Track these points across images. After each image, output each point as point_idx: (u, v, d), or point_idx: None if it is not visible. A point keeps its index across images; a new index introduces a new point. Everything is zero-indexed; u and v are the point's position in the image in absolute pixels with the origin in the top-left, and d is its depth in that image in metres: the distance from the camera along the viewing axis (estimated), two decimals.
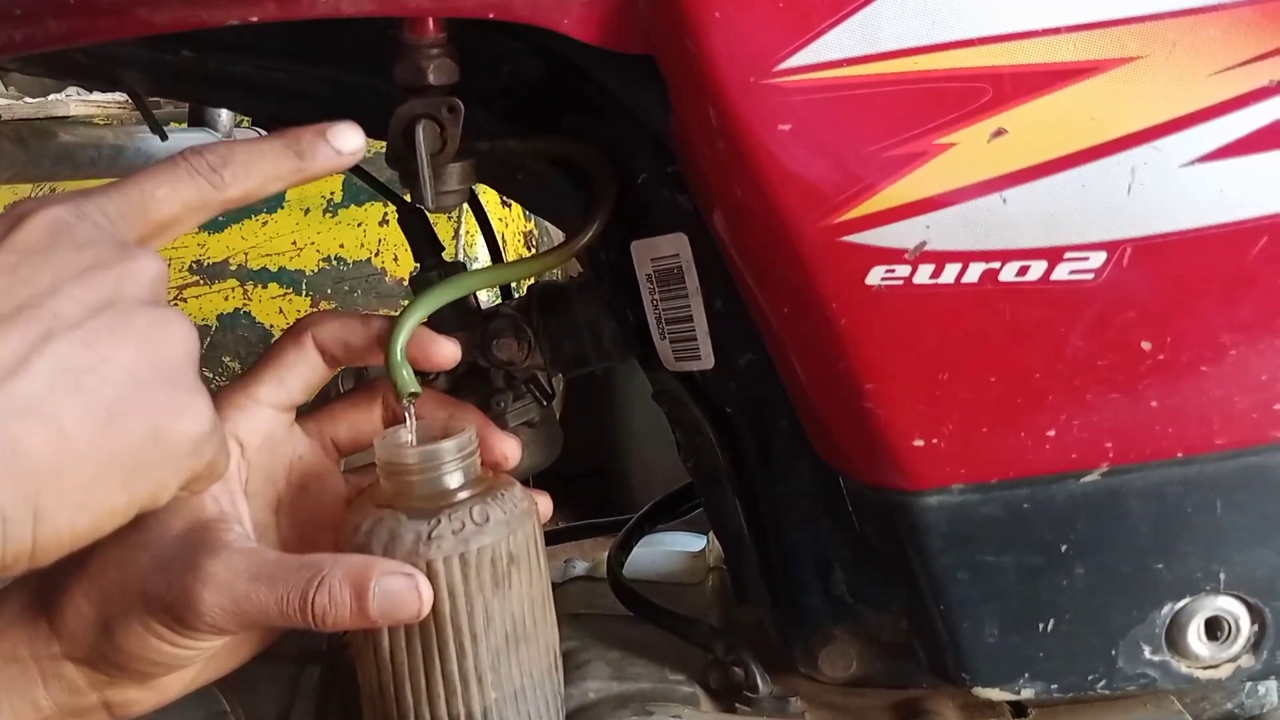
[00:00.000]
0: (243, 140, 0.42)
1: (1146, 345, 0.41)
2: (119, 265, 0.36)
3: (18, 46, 0.44)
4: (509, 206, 1.78)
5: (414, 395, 0.47)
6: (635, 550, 0.70)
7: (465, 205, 0.54)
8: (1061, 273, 0.40)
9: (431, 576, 0.42)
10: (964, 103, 0.38)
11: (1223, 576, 0.46)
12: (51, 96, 2.23)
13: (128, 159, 0.73)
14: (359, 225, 1.86)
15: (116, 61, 0.58)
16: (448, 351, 0.49)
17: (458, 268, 0.57)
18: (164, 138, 0.71)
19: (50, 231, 0.36)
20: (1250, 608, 0.47)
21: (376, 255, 1.84)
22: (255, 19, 0.41)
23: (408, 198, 0.54)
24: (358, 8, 0.41)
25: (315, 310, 1.79)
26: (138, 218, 0.38)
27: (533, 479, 0.63)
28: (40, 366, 0.33)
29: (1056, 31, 0.38)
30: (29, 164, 0.61)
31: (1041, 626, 0.47)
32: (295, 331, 0.48)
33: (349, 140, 0.43)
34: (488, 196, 0.59)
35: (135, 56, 0.57)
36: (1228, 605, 0.46)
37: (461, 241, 1.75)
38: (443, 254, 0.58)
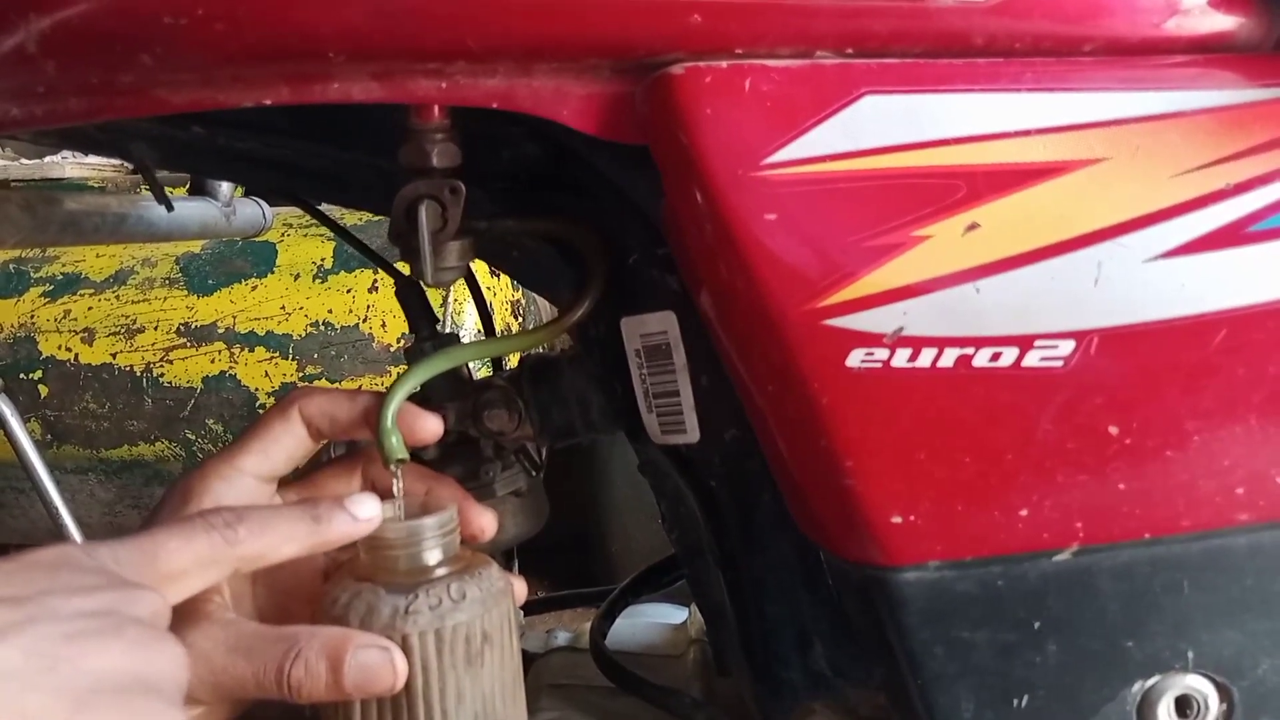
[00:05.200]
0: (261, 506, 0.44)
1: (1114, 430, 0.43)
2: (120, 590, 0.37)
3: (38, 121, 0.46)
4: (497, 276, 1.80)
5: (401, 461, 0.48)
6: (617, 621, 0.71)
7: None
8: (1032, 360, 0.42)
9: (407, 651, 0.43)
10: (940, 198, 0.40)
11: (1191, 655, 0.47)
12: (47, 159, 2.26)
13: (130, 226, 0.75)
14: (348, 291, 1.87)
15: (128, 135, 0.60)
16: (431, 427, 0.50)
17: (451, 339, 0.58)
18: (170, 208, 0.73)
19: (58, 558, 0.37)
20: (1219, 686, 0.48)
21: (364, 321, 1.85)
22: (269, 103, 0.43)
23: (403, 269, 0.56)
24: (368, 94, 0.43)
25: (303, 382, 1.81)
26: (148, 567, 0.39)
27: (515, 547, 0.64)
28: (16, 642, 0.33)
29: (1027, 133, 0.40)
30: (35, 230, 0.63)
31: (1016, 702, 0.47)
32: (283, 405, 0.49)
33: (365, 509, 0.44)
34: (477, 266, 0.61)
35: (146, 131, 0.59)
36: (1197, 684, 0.48)
37: (450, 310, 1.76)
38: (436, 326, 0.60)
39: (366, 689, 0.42)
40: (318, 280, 1.89)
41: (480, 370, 0.63)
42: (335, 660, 0.41)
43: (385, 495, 0.49)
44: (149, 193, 0.78)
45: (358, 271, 1.87)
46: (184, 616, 0.42)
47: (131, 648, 0.35)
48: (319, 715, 0.47)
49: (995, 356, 0.42)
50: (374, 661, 0.42)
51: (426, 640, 0.43)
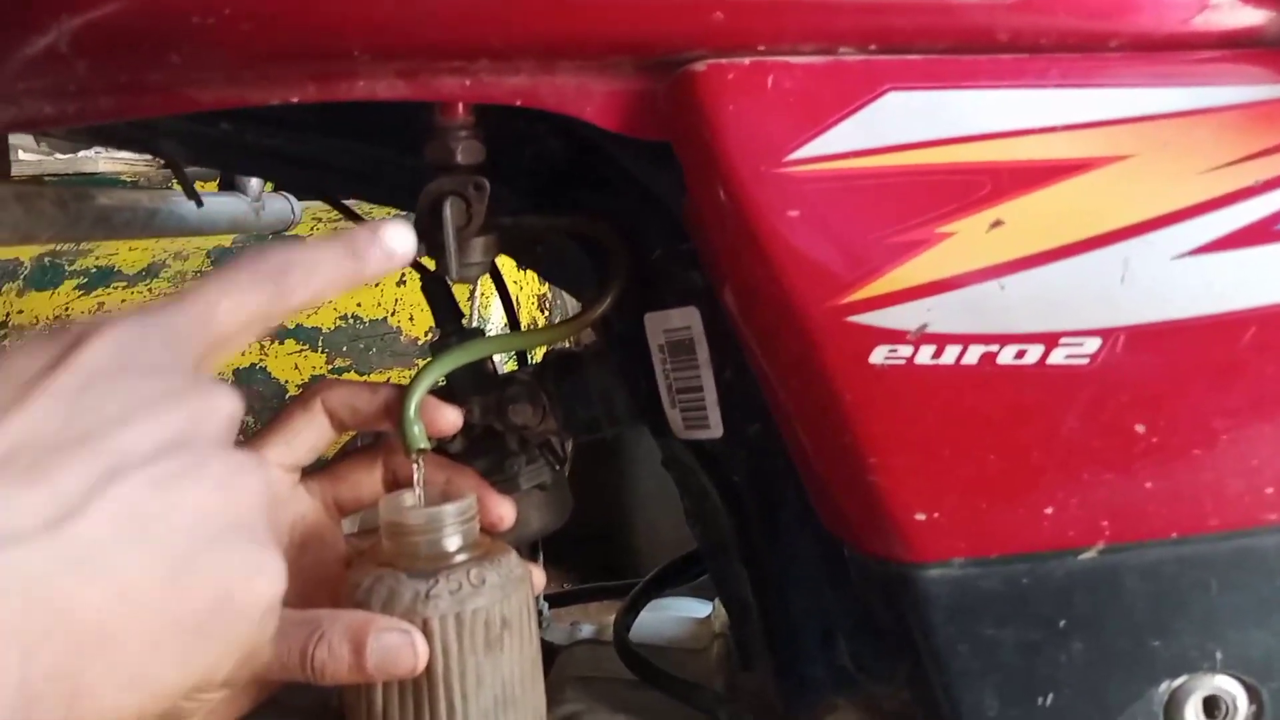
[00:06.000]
0: (300, 246, 0.41)
1: (1140, 428, 0.42)
2: (193, 400, 0.34)
3: (70, 119, 0.46)
4: (524, 271, 1.81)
5: (422, 451, 0.49)
6: (641, 615, 0.71)
7: None
8: (1058, 357, 0.41)
9: (427, 634, 0.43)
10: (964, 195, 0.40)
11: (1219, 656, 0.47)
12: (81, 153, 2.29)
13: (160, 221, 0.76)
14: (376, 285, 1.88)
15: (157, 132, 0.61)
16: (452, 418, 0.50)
17: (476, 333, 0.59)
18: (200, 204, 0.74)
19: (116, 353, 0.33)
20: (1248, 688, 0.47)
21: (393, 315, 1.87)
22: (296, 100, 0.43)
23: (430, 265, 0.57)
24: (393, 92, 0.43)
25: (333, 375, 1.82)
26: (202, 333, 0.36)
27: (539, 540, 0.64)
28: (103, 509, 0.30)
29: (1053, 130, 0.40)
30: (68, 225, 0.63)
31: (1041, 700, 0.47)
32: (305, 397, 0.50)
33: (401, 241, 0.43)
34: (504, 262, 0.61)
35: (175, 128, 0.60)
36: (1225, 684, 0.47)
37: (476, 304, 1.77)
38: (462, 320, 0.61)
39: (388, 671, 0.42)
40: None
41: (506, 365, 0.63)
42: (358, 643, 0.41)
43: (406, 484, 0.50)
44: (180, 188, 0.79)
45: None
46: None
47: (217, 487, 0.33)
48: (342, 698, 0.47)
49: (1020, 354, 0.41)
50: (395, 644, 0.42)
51: (447, 624, 0.44)
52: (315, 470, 0.51)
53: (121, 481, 0.30)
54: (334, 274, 0.41)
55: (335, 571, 0.49)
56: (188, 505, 0.32)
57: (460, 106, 0.45)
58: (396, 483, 0.51)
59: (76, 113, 0.46)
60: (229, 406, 0.35)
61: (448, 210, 0.47)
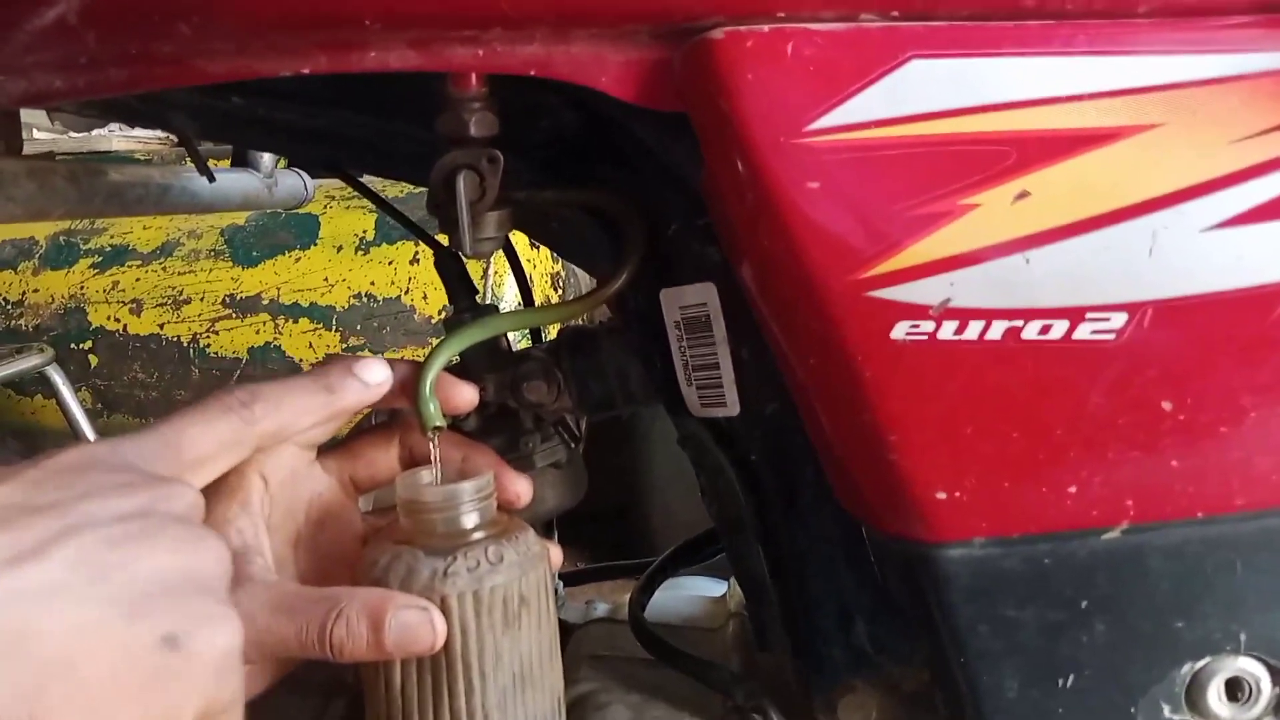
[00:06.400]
0: (275, 381, 0.44)
1: (1167, 405, 0.42)
2: (153, 488, 0.36)
3: (80, 92, 0.46)
4: (537, 248, 1.80)
5: (438, 429, 0.48)
6: (656, 593, 0.71)
7: None
8: (1083, 332, 0.40)
9: (445, 612, 0.43)
10: (988, 165, 0.39)
11: (1243, 637, 0.46)
12: (95, 131, 2.29)
13: (173, 198, 0.76)
14: (390, 263, 1.88)
15: (168, 106, 0.61)
16: (467, 395, 0.50)
17: (490, 310, 0.58)
18: (211, 179, 0.73)
19: (84, 459, 0.36)
20: (1271, 670, 0.47)
21: (406, 293, 1.87)
22: (307, 71, 0.42)
23: (443, 241, 0.56)
24: (405, 63, 0.42)
25: (341, 353, 1.83)
26: (172, 455, 0.39)
27: (554, 518, 0.64)
28: (61, 555, 0.32)
29: (1080, 98, 0.39)
30: (81, 201, 0.63)
31: (1061, 682, 0.47)
32: None
33: (374, 374, 0.46)
34: (517, 238, 0.60)
35: (186, 102, 0.59)
36: (1249, 666, 0.46)
37: (490, 282, 1.77)
38: (475, 297, 0.60)
39: (407, 649, 0.42)
40: (360, 252, 1.90)
41: (519, 342, 0.63)
42: (376, 620, 0.41)
43: (422, 462, 0.50)
44: (192, 164, 0.78)
45: (399, 244, 1.88)
46: (229, 579, 0.42)
47: (175, 545, 0.35)
48: (359, 676, 0.47)
49: (1045, 329, 0.40)
50: (414, 621, 0.42)
51: (465, 601, 0.44)
52: (331, 448, 0.50)
53: (80, 535, 0.33)
54: (304, 404, 0.43)
55: (352, 549, 0.48)
56: (144, 560, 0.34)
57: (473, 77, 0.45)
58: (412, 460, 0.51)
59: (87, 85, 0.45)
60: (189, 494, 0.38)
61: (461, 184, 0.46)
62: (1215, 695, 0.47)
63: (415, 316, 1.86)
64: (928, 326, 0.41)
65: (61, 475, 0.35)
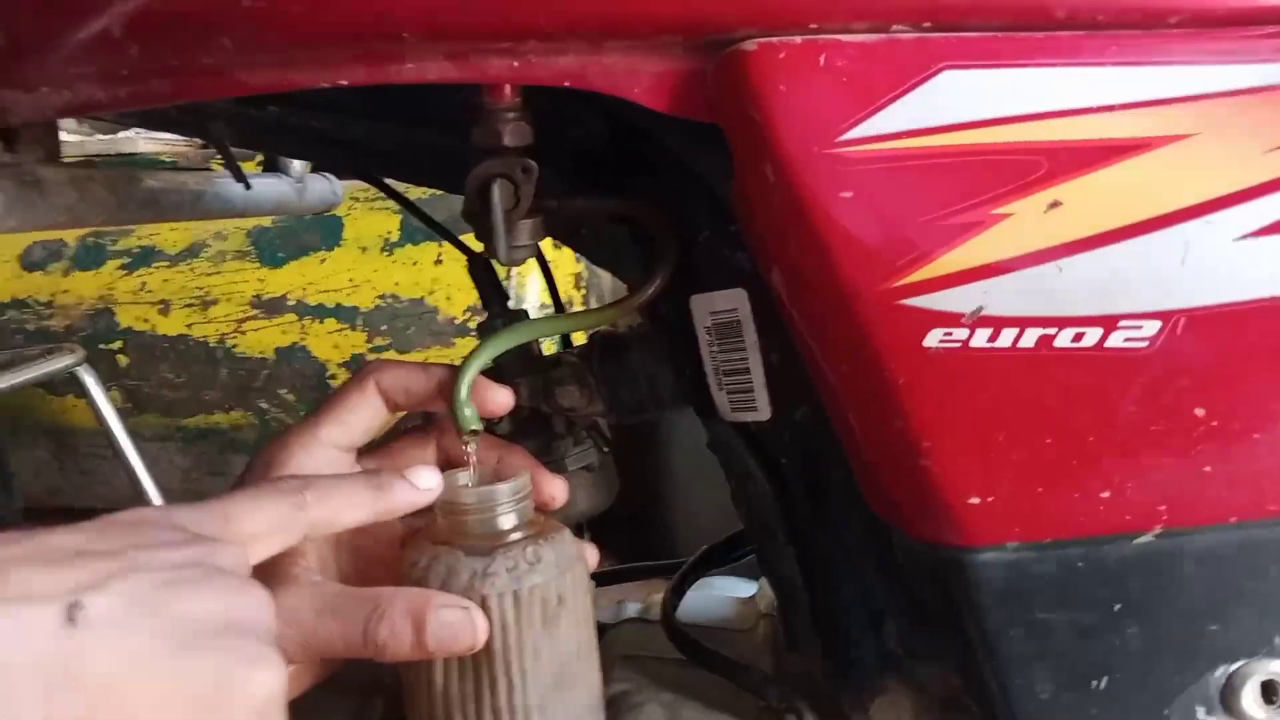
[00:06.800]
0: (330, 475, 0.46)
1: (1200, 412, 0.42)
2: (203, 544, 0.37)
3: (122, 103, 0.47)
4: (559, 249, 1.81)
5: (475, 432, 0.49)
6: (687, 594, 0.72)
7: None
8: (1116, 340, 0.41)
9: (485, 611, 0.44)
10: (1020, 175, 0.40)
11: (1277, 640, 0.46)
12: (121, 133, 2.31)
13: (207, 203, 0.77)
14: (414, 264, 1.89)
15: (205, 114, 0.62)
16: (502, 399, 0.51)
17: (522, 315, 0.59)
18: (247, 186, 0.75)
19: (138, 518, 0.38)
20: None
21: (431, 294, 1.88)
22: (345, 83, 0.43)
23: (473, 246, 0.57)
24: (442, 74, 0.43)
25: (373, 354, 1.84)
26: (222, 526, 0.40)
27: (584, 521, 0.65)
28: (118, 589, 0.34)
29: (1111, 109, 0.39)
30: (118, 208, 0.64)
31: (1094, 685, 0.47)
32: (359, 377, 0.51)
33: (425, 479, 0.46)
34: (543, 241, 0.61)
35: (224, 111, 0.60)
36: None
37: (514, 283, 1.77)
38: (508, 302, 0.61)
39: (448, 648, 0.43)
40: (384, 253, 1.92)
41: (546, 346, 0.63)
42: (418, 620, 0.42)
43: (458, 464, 0.50)
44: (223, 169, 0.79)
45: (424, 244, 1.89)
46: (274, 580, 0.43)
47: (222, 593, 0.36)
48: (400, 676, 0.48)
49: (1078, 337, 0.41)
50: (455, 621, 0.43)
51: (505, 601, 0.44)
52: (370, 451, 0.51)
53: (135, 576, 0.34)
54: (354, 499, 0.44)
55: (391, 551, 0.49)
56: (193, 602, 0.35)
57: (508, 88, 0.45)
58: (449, 463, 0.51)
59: (129, 97, 0.46)
60: (238, 551, 0.39)
61: (496, 193, 0.47)
62: (1250, 697, 0.47)
63: (439, 317, 1.87)
64: (961, 334, 0.41)
65: (118, 529, 0.37)
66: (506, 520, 0.47)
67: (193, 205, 0.74)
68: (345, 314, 1.91)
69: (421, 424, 0.54)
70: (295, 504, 0.42)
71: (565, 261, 1.86)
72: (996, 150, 0.40)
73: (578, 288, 1.88)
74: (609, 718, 0.57)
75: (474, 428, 0.49)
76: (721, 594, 0.75)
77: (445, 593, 0.44)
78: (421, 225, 0.72)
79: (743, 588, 0.77)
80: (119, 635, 0.33)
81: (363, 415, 0.50)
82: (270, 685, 0.36)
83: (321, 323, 1.92)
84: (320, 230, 1.98)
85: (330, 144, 0.63)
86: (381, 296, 1.89)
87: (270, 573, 0.44)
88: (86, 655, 0.32)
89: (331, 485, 0.44)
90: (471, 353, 0.51)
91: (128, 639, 0.33)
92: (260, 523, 0.41)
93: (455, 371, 0.50)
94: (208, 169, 0.95)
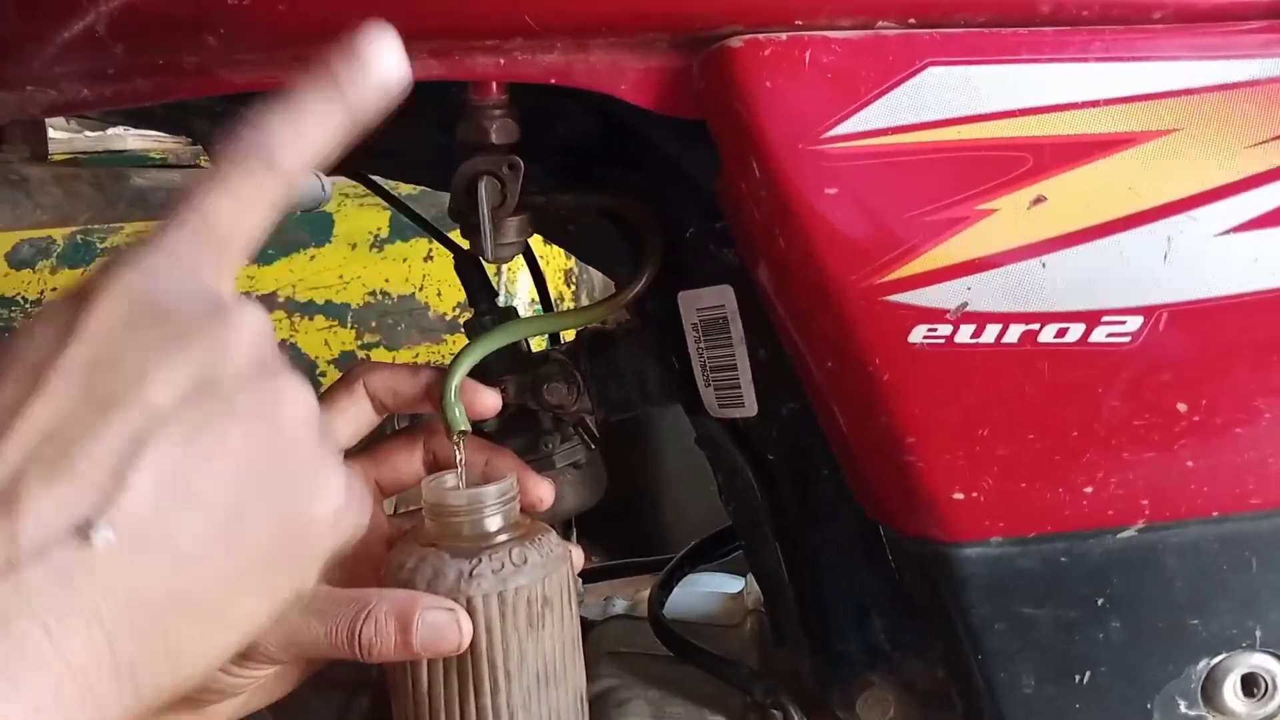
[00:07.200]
0: (279, 112, 0.36)
1: (1182, 407, 0.42)
2: (210, 333, 0.31)
3: (107, 101, 0.46)
4: (550, 245, 1.81)
5: (464, 433, 0.49)
6: (674, 591, 0.72)
7: None
8: (1099, 336, 0.41)
9: (471, 612, 0.44)
10: (1005, 171, 0.40)
11: (1259, 633, 0.46)
12: (110, 130, 2.30)
13: None
14: (404, 260, 1.89)
15: (191, 112, 0.61)
16: (491, 401, 0.51)
17: (510, 313, 0.59)
18: None
19: (125, 308, 0.31)
20: None
21: (420, 290, 1.87)
22: None
23: (461, 243, 0.57)
24: (427, 72, 0.43)
25: (362, 351, 1.83)
26: (210, 249, 0.33)
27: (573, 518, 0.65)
28: (141, 481, 0.29)
29: (1095, 104, 0.39)
30: (106, 206, 0.64)
31: (1077, 679, 0.47)
32: (347, 379, 0.50)
33: (390, 64, 0.36)
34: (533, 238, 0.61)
35: (209, 108, 0.60)
36: (1264, 662, 0.47)
37: (504, 279, 1.77)
38: (496, 300, 0.61)
39: (434, 649, 0.43)
40: (374, 250, 1.91)
41: (536, 343, 0.63)
42: (404, 620, 0.42)
43: (446, 465, 0.50)
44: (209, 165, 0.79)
45: (413, 241, 1.89)
46: None
47: (251, 421, 0.31)
48: (386, 677, 0.48)
49: (1061, 332, 0.41)
50: (441, 622, 0.43)
51: (490, 603, 0.44)
52: (357, 452, 0.51)
53: (153, 446, 0.29)
54: (325, 129, 0.36)
55: (378, 551, 0.49)
56: (224, 452, 0.31)
57: (494, 85, 0.45)
58: (437, 464, 0.51)
59: (114, 95, 0.46)
60: (249, 326, 0.32)
61: (483, 190, 0.47)
62: (1231, 691, 0.47)
63: (430, 314, 1.87)
64: (945, 330, 0.41)
65: (106, 349, 0.30)
66: (493, 522, 0.47)
67: None
68: (335, 311, 1.90)
69: (410, 425, 0.54)
70: (276, 176, 0.34)
71: (556, 257, 1.86)
72: (981, 146, 0.40)
73: (568, 284, 1.88)
74: (595, 713, 0.57)
75: (462, 428, 0.49)
76: (709, 590, 0.76)
77: (431, 594, 0.44)
78: (411, 222, 0.71)
79: (730, 584, 0.77)
80: (160, 542, 0.29)
81: (350, 417, 0.50)
82: (332, 504, 0.34)
83: (311, 319, 1.91)
84: (309, 227, 1.97)
85: None
86: (371, 293, 1.89)
87: None
88: (136, 577, 0.29)
89: (297, 127, 0.35)
90: (460, 353, 0.51)
91: (170, 541, 0.29)
92: (245, 215, 0.34)
93: (443, 373, 0.50)
94: (197, 166, 0.95)
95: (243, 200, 0.34)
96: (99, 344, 0.30)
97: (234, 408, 0.31)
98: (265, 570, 0.32)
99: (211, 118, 0.61)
